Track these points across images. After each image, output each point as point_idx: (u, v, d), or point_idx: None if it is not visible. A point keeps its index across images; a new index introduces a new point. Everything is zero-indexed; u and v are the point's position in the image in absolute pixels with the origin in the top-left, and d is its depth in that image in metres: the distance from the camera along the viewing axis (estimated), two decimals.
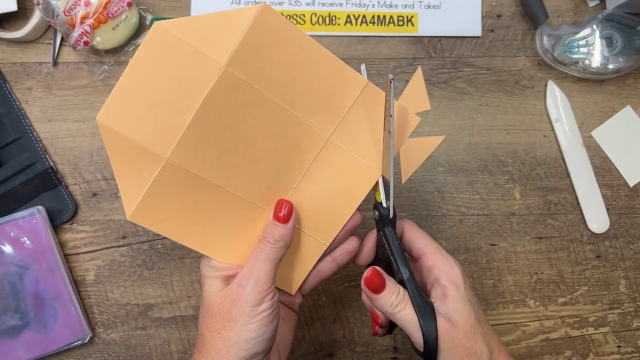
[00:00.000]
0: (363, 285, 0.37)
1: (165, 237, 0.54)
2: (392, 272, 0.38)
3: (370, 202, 0.40)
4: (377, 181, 0.39)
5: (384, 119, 0.37)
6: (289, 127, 0.36)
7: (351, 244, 0.41)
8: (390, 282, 0.36)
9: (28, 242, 0.52)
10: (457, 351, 0.34)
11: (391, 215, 0.38)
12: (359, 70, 0.38)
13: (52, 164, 0.54)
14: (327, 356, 0.56)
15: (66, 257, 0.54)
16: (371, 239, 0.41)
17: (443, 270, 0.36)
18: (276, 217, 0.37)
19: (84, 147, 0.55)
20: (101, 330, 0.54)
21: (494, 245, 0.57)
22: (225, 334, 0.34)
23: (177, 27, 0.33)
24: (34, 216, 0.52)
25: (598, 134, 0.58)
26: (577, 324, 0.57)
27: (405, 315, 0.35)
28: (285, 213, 0.37)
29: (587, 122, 0.58)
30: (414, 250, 0.39)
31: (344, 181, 0.39)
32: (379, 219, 0.39)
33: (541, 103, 0.58)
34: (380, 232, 0.39)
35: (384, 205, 0.38)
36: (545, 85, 0.58)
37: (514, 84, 0.58)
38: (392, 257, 0.38)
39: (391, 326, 0.40)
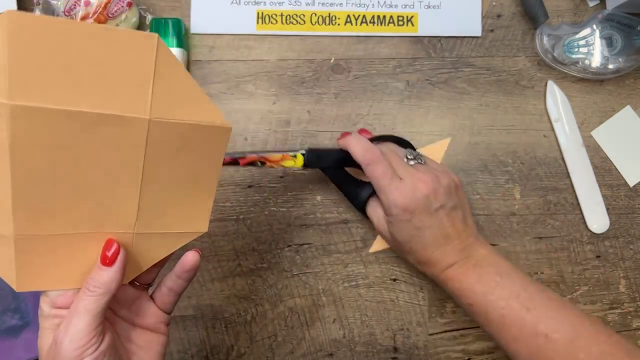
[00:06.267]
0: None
1: None
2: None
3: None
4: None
5: None
6: (112, 131, 0.31)
7: (189, 258, 0.38)
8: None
9: None
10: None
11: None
12: None
13: None
14: (327, 356, 0.56)
15: None
16: None
17: None
18: (102, 260, 0.33)
19: None
20: None
21: (494, 245, 0.57)
22: None
23: None
24: None
25: (598, 133, 0.58)
26: None
27: None
28: (112, 253, 0.33)
29: (587, 122, 0.58)
30: None
31: (193, 155, 0.35)
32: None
33: (541, 103, 0.58)
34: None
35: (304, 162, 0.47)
36: (545, 85, 0.58)
37: (514, 84, 0.58)
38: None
39: None
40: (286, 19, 0.56)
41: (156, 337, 0.39)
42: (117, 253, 0.33)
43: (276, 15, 0.56)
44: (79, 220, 0.34)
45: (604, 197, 0.57)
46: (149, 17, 0.54)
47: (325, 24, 0.56)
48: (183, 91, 0.33)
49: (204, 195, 0.37)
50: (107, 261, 0.33)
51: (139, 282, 0.40)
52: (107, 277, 0.33)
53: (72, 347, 0.31)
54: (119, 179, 0.33)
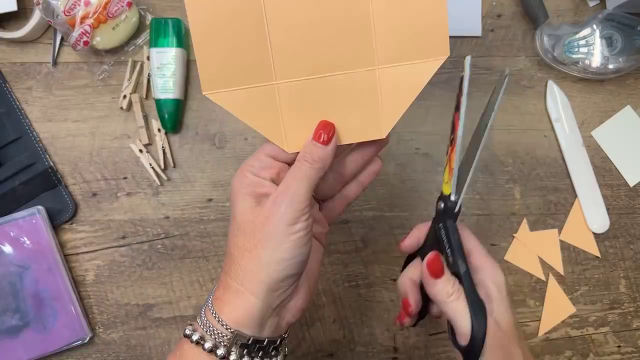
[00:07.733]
0: (424, 269, 0.36)
1: (165, 237, 0.54)
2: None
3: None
4: (447, 172, 0.37)
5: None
6: None
7: (376, 165, 0.40)
8: (447, 271, 0.37)
9: (28, 242, 0.52)
10: (498, 351, 0.34)
11: (457, 209, 0.37)
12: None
13: (52, 163, 0.54)
14: (327, 356, 0.56)
15: (66, 257, 0.54)
16: (423, 229, 0.41)
17: (489, 273, 0.37)
18: (316, 138, 0.35)
19: (84, 147, 0.55)
20: (101, 330, 0.54)
21: (494, 245, 0.57)
22: (256, 253, 0.33)
23: None
24: (34, 216, 0.52)
25: (598, 133, 0.58)
26: (577, 324, 0.57)
27: (458, 305, 0.35)
28: (326, 138, 0.35)
29: (587, 122, 0.58)
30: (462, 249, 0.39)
31: None
32: (442, 212, 0.38)
33: (541, 103, 0.58)
34: (439, 225, 0.38)
35: (453, 198, 0.37)
36: (546, 85, 0.57)
37: (514, 84, 0.58)
38: (449, 251, 0.37)
39: (419, 318, 0.40)
40: None
41: (318, 244, 0.40)
42: (332, 134, 0.35)
43: None
44: (324, 64, 0.35)
45: (604, 197, 0.57)
46: (149, 17, 0.54)
47: None
48: None
49: (436, 15, 0.36)
50: (323, 141, 0.35)
51: (318, 195, 0.41)
52: (323, 153, 0.35)
53: (292, 209, 0.33)
54: (349, 10, 0.35)
